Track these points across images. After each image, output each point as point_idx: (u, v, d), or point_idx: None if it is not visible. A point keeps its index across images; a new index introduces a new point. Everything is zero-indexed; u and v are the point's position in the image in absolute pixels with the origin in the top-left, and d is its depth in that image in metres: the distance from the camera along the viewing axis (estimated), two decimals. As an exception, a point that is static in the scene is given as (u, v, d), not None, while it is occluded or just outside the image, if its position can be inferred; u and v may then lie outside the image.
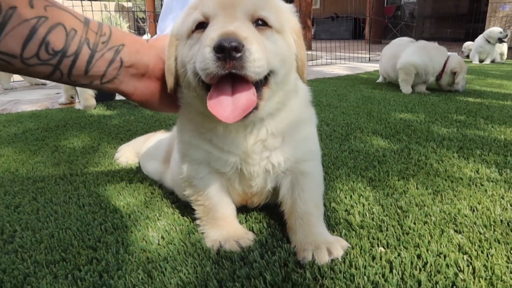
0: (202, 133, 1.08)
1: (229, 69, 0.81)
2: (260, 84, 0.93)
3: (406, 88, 3.75)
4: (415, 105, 3.13)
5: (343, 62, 7.31)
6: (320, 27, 17.85)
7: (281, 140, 1.10)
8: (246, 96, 0.88)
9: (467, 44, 8.82)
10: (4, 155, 2.02)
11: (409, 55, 3.65)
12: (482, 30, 10.40)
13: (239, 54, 0.80)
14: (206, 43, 0.83)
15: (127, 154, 1.88)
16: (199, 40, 0.90)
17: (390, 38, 7.52)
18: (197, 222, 1.21)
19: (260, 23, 0.91)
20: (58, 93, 4.17)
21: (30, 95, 4.10)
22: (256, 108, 0.91)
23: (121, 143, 2.17)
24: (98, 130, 2.47)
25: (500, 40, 7.11)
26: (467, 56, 8.72)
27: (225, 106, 0.86)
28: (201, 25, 0.91)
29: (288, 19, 0.99)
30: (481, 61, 7.40)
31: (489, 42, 7.22)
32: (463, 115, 2.72)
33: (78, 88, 3.27)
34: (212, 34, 0.83)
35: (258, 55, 0.83)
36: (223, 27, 0.84)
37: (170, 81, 1.02)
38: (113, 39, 0.92)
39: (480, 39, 7.35)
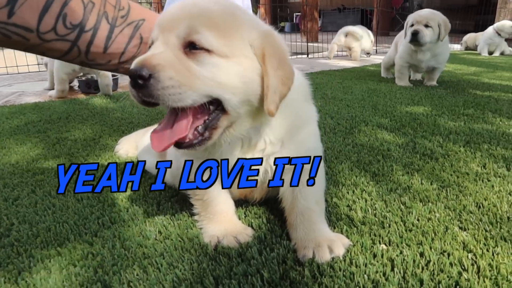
0: None
1: (141, 97, 0.81)
2: (217, 111, 0.89)
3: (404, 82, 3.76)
4: (421, 98, 3.07)
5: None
6: (327, 19, 17.63)
7: (280, 145, 1.07)
8: (179, 128, 0.87)
9: (466, 37, 8.67)
10: (6, 147, 2.01)
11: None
12: (492, 22, 10.21)
13: (143, 82, 0.78)
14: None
15: (127, 146, 1.86)
16: None
17: (398, 30, 7.39)
18: (195, 217, 1.19)
19: (197, 47, 0.83)
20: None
21: (35, 87, 4.10)
22: (206, 138, 0.90)
23: (123, 135, 2.15)
24: (100, 123, 2.45)
25: (499, 34, 6.98)
26: (466, 48, 8.58)
27: (158, 136, 0.88)
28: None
29: (251, 42, 0.89)
30: (490, 53, 7.27)
31: (499, 34, 7.08)
32: (471, 109, 2.66)
33: (53, 71, 3.41)
34: (135, 61, 0.83)
35: (169, 82, 0.79)
36: (146, 54, 0.83)
37: None
38: (132, 14, 0.86)
39: (490, 31, 7.22)
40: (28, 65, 5.17)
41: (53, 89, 3.52)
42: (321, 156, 1.20)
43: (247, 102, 0.90)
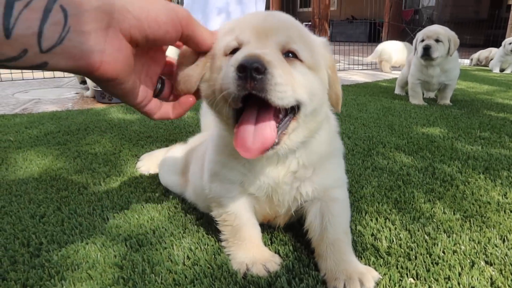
0: (236, 157, 1.07)
1: (249, 89, 0.81)
2: (289, 116, 0.93)
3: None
4: (437, 119, 3.08)
5: (361, 68, 7.24)
6: (337, 29, 17.71)
7: (311, 171, 1.10)
8: (266, 132, 0.89)
9: (476, 54, 8.63)
10: (27, 159, 2.04)
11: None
12: (503, 37, 10.21)
13: (260, 76, 0.80)
14: (231, 63, 0.84)
15: (149, 163, 1.88)
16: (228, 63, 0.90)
17: (407, 41, 7.44)
18: (223, 243, 1.20)
19: (291, 55, 0.90)
20: (77, 93, 4.21)
21: (51, 94, 4.15)
22: (277, 143, 0.91)
23: (142, 150, 2.17)
24: (118, 136, 2.48)
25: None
26: (476, 64, 8.57)
27: (245, 143, 0.88)
28: (235, 51, 0.90)
29: (322, 55, 0.99)
30: (501, 70, 7.26)
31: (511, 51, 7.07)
32: (487, 131, 2.67)
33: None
34: (238, 56, 0.84)
35: (281, 79, 0.82)
36: (250, 50, 0.84)
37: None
38: None
39: (501, 48, 7.21)
40: (43, 71, 5.22)
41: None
42: (346, 186, 1.22)
43: (314, 111, 0.96)
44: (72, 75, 5.49)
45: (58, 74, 5.40)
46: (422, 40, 3.57)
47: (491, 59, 8.14)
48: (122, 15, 0.65)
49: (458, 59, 3.78)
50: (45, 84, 4.83)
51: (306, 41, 0.94)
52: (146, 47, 0.77)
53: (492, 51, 8.27)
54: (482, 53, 8.54)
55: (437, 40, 3.50)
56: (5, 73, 5.01)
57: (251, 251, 1.16)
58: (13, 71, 5.01)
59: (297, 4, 20.19)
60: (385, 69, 6.82)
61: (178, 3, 6.54)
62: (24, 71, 5.04)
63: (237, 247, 1.17)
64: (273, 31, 0.89)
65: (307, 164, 1.08)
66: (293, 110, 0.92)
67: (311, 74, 0.93)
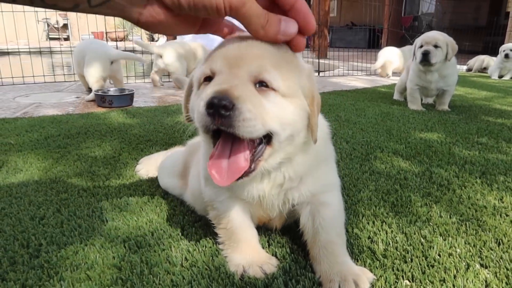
0: None
1: (217, 125, 0.83)
2: (263, 143, 0.94)
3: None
4: (435, 124, 3.10)
5: (360, 73, 7.27)
6: (336, 35, 17.81)
7: (298, 181, 1.11)
8: (239, 161, 0.91)
9: (473, 60, 8.67)
10: (28, 162, 2.05)
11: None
12: (501, 43, 10.24)
13: (228, 113, 0.81)
14: (202, 97, 0.86)
15: (148, 167, 1.90)
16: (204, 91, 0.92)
17: (406, 48, 7.51)
18: (220, 246, 1.22)
19: (264, 84, 0.89)
20: (77, 97, 4.23)
21: (51, 98, 4.17)
22: (253, 169, 0.93)
23: (142, 154, 2.19)
24: (118, 139, 2.49)
25: (507, 56, 7.01)
26: (469, 70, 8.61)
27: (219, 170, 0.90)
28: (209, 78, 0.92)
29: (302, 84, 0.96)
30: (500, 76, 7.29)
31: (506, 56, 7.13)
32: (485, 137, 2.68)
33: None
34: (208, 90, 0.86)
35: (249, 115, 0.83)
36: (221, 84, 0.85)
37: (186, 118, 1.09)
38: None
39: (499, 55, 7.25)
40: (44, 76, 5.26)
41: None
42: (339, 189, 1.23)
43: (290, 137, 0.96)
44: (72, 80, 5.52)
45: (59, 78, 5.44)
46: (421, 46, 3.60)
47: (484, 67, 8.22)
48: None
49: (456, 65, 3.81)
50: (46, 88, 4.86)
51: (284, 68, 0.91)
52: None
53: (485, 60, 8.33)
54: (476, 63, 8.58)
55: (435, 46, 3.54)
56: (6, 77, 5.04)
57: (247, 253, 1.17)
58: (14, 75, 5.07)
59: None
60: (389, 73, 6.91)
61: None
62: (25, 75, 5.10)
63: (233, 249, 1.19)
64: (244, 60, 0.88)
65: (293, 176, 1.09)
66: (268, 137, 0.92)
67: (286, 102, 0.91)
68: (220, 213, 1.18)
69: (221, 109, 0.81)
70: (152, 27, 0.75)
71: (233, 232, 1.19)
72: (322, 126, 1.16)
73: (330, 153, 1.20)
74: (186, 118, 1.08)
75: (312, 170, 1.12)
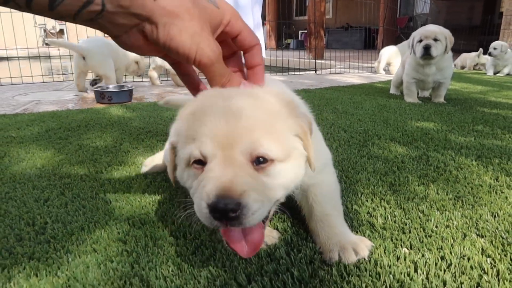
0: None
1: (227, 225, 0.80)
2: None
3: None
4: (431, 114, 3.14)
5: (356, 71, 7.33)
6: (332, 37, 17.90)
7: None
8: (257, 238, 0.90)
9: (460, 58, 8.77)
10: (30, 152, 2.07)
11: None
12: (496, 42, 10.36)
13: (235, 214, 0.77)
14: (203, 197, 0.80)
15: (153, 168, 1.85)
16: (197, 179, 0.86)
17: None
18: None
19: (261, 160, 0.84)
20: (76, 95, 4.25)
21: (50, 96, 4.19)
22: (265, 227, 0.95)
23: (142, 143, 2.22)
24: (119, 131, 2.52)
25: (490, 54, 7.16)
26: (462, 68, 8.70)
27: (239, 248, 0.89)
28: (199, 161, 0.86)
29: (291, 134, 0.91)
30: (495, 73, 7.37)
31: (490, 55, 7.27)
32: (480, 125, 2.72)
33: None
34: (208, 187, 0.79)
35: (257, 206, 0.79)
36: (220, 178, 0.79)
37: (173, 179, 1.01)
38: None
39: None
40: (42, 75, 5.28)
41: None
42: (330, 163, 1.24)
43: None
44: (71, 79, 5.54)
45: (57, 78, 5.46)
46: (420, 41, 3.63)
47: (475, 64, 8.34)
48: (150, 28, 0.75)
49: (452, 58, 3.86)
50: (45, 87, 4.88)
51: (273, 132, 0.86)
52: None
53: (476, 58, 8.44)
54: (468, 60, 8.66)
55: (435, 39, 3.59)
56: (4, 77, 5.06)
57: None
58: (12, 75, 5.09)
59: (293, 12, 20.42)
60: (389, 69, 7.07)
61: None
62: (23, 75, 5.12)
63: None
64: (237, 139, 0.82)
65: None
66: None
67: (285, 169, 0.88)
68: None
69: (229, 213, 0.76)
70: (128, 47, 0.80)
71: None
72: (315, 131, 1.12)
73: (326, 156, 1.21)
74: (174, 183, 1.02)
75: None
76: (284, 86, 1.18)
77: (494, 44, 7.26)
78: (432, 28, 3.69)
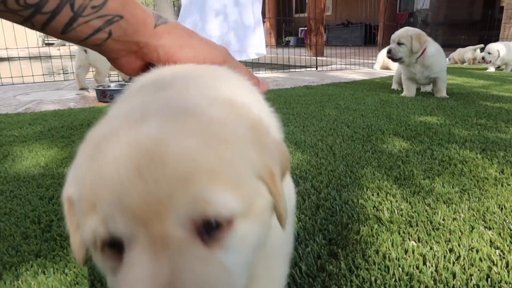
0: None
1: None
2: None
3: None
4: (434, 109, 3.13)
5: (357, 67, 7.32)
6: (332, 34, 17.85)
7: None
8: None
9: (456, 53, 8.74)
10: (33, 151, 2.07)
11: None
12: (496, 37, 10.33)
13: None
14: None
15: None
16: (114, 276, 0.47)
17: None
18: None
19: (213, 225, 0.47)
20: (78, 94, 4.25)
21: (52, 95, 4.19)
22: None
23: (146, 141, 2.21)
24: (121, 129, 2.51)
25: (483, 58, 7.06)
26: (462, 63, 8.68)
27: None
28: (114, 243, 0.47)
29: (250, 171, 0.51)
30: (497, 67, 7.33)
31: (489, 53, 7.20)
32: (483, 119, 2.72)
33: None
34: None
35: None
36: (150, 285, 0.42)
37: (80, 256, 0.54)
38: (108, 6, 0.75)
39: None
40: (43, 75, 5.28)
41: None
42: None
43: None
44: (72, 78, 5.55)
45: (59, 77, 5.46)
46: None
47: (474, 58, 8.27)
48: (149, 54, 0.79)
49: (440, 54, 3.86)
50: (46, 87, 4.87)
51: (230, 170, 0.49)
52: None
53: (474, 52, 8.39)
54: (468, 54, 8.61)
55: (398, 43, 3.73)
56: (5, 77, 5.06)
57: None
58: (13, 75, 5.09)
59: (292, 9, 20.38)
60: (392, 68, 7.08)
61: (174, 6, 6.60)
62: (24, 75, 5.12)
63: None
64: (165, 200, 0.44)
65: None
66: None
67: (249, 228, 0.50)
68: None
69: None
70: (122, 69, 0.83)
71: None
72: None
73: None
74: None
75: None
76: (249, 86, 0.74)
77: (490, 48, 6.97)
78: (397, 33, 3.84)
